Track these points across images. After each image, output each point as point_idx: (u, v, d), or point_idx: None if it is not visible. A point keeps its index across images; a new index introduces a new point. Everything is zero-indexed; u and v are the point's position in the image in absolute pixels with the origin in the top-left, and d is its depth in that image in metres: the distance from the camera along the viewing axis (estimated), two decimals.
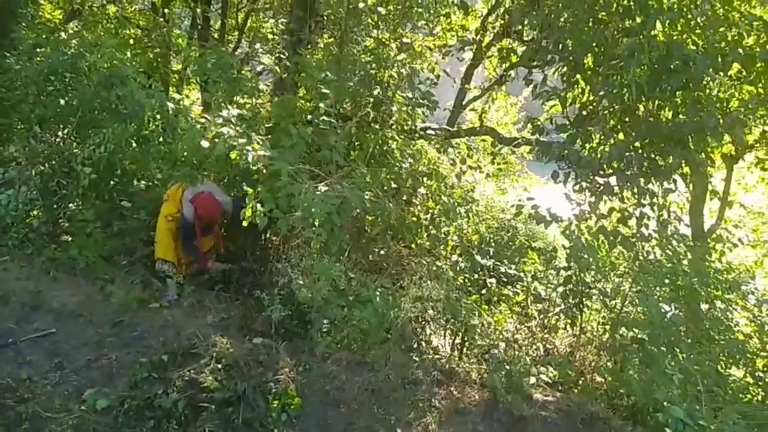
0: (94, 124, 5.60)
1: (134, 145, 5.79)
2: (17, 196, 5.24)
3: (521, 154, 8.88)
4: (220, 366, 3.74)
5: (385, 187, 4.74)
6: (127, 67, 6.03)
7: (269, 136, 4.87)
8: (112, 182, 5.67)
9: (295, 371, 3.89)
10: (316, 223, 3.78)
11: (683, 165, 5.20)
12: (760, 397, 4.80)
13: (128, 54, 6.94)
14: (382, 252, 5.00)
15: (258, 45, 9.71)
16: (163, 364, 3.79)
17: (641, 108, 5.15)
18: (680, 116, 5.02)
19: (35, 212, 5.38)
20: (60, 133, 5.84)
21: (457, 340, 4.77)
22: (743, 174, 10.49)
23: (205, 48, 7.54)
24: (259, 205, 3.98)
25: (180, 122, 6.90)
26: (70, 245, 5.15)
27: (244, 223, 4.08)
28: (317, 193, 3.86)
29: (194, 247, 5.12)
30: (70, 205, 5.38)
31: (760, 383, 5.27)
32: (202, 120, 4.90)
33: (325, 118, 4.75)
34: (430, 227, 5.24)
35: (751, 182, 10.42)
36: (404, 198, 5.30)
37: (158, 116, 6.16)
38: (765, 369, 5.74)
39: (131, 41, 9.29)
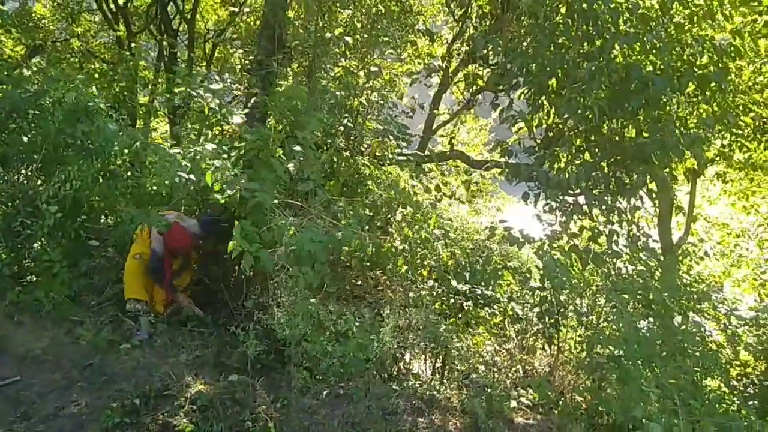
0: (59, 160, 5.49)
1: (101, 180, 5.69)
2: None
3: (493, 175, 9.02)
4: (194, 407, 3.63)
5: (361, 218, 4.74)
6: (93, 101, 5.95)
7: (248, 169, 4.84)
8: (78, 220, 5.54)
9: (272, 408, 3.80)
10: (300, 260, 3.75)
11: (648, 181, 5.34)
12: (735, 407, 4.89)
13: (94, 88, 6.86)
14: (359, 282, 4.98)
15: (226, 75, 9.71)
16: (135, 409, 3.66)
17: (605, 128, 5.30)
18: (643, 135, 5.18)
19: None
20: (23, 171, 5.71)
21: (438, 364, 4.74)
22: (707, 187, 10.85)
23: (171, 79, 7.52)
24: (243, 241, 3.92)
25: (149, 156, 6.82)
26: (35, 287, 4.99)
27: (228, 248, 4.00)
28: (302, 229, 3.83)
29: (169, 283, 5.02)
30: (35, 245, 5.23)
31: (735, 392, 5.37)
32: (176, 152, 4.84)
33: (298, 148, 4.75)
34: (407, 254, 5.24)
35: (714, 195, 10.78)
36: (379, 225, 5.31)
37: (125, 150, 6.08)
38: (738, 378, 5.87)
39: (96, 75, 9.20)
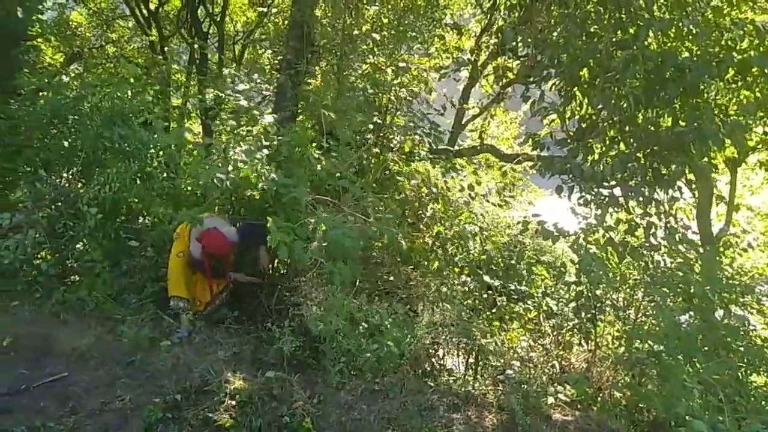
0: (98, 164, 5.66)
1: (138, 182, 5.83)
2: (25, 240, 5.27)
3: (525, 169, 8.89)
4: (234, 402, 3.70)
5: (393, 213, 4.75)
6: (127, 105, 6.11)
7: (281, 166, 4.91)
8: (118, 221, 5.70)
9: (309, 403, 3.84)
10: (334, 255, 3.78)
11: (687, 172, 5.19)
12: None
13: (129, 93, 7.04)
14: (391, 278, 4.98)
15: (255, 75, 9.84)
16: (176, 404, 3.75)
17: (640, 118, 5.17)
18: (680, 124, 5.03)
19: (43, 254, 5.41)
20: (65, 175, 5.90)
21: (471, 360, 4.71)
22: (748, 176, 10.47)
23: (203, 81, 7.65)
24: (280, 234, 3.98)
25: (183, 157, 6.96)
26: (78, 286, 5.16)
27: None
28: (335, 224, 3.87)
29: (215, 273, 5.13)
30: (78, 245, 5.41)
31: None
32: (210, 152, 4.92)
33: (331, 143, 4.78)
34: (439, 250, 5.23)
35: (756, 184, 10.40)
36: (410, 222, 5.30)
37: (161, 152, 6.21)
38: None
39: (131, 80, 9.42)
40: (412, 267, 5.13)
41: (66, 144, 5.87)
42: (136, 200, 5.94)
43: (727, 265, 5.53)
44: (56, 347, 4.48)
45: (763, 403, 4.17)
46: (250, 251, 5.33)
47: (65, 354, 4.42)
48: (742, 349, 4.54)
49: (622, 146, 5.24)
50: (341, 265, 3.75)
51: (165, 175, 6.26)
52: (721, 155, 7.26)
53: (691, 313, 4.22)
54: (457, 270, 5.47)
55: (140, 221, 6.19)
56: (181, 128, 8.69)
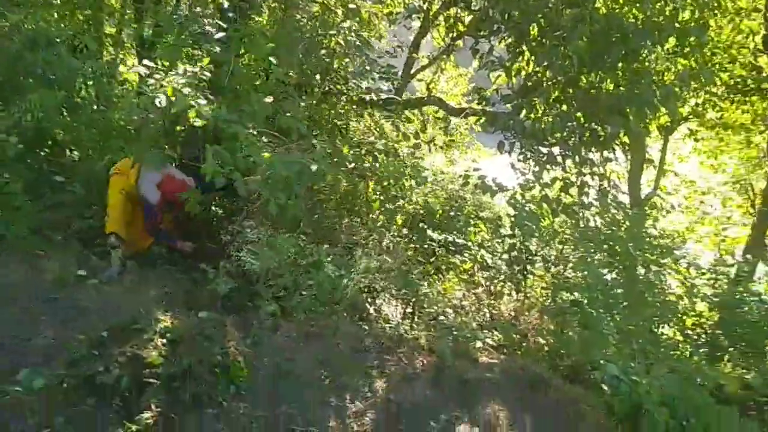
0: (18, 90, 5.24)
1: (65, 113, 5.46)
2: None
3: (470, 126, 8.96)
4: (164, 341, 3.63)
5: (345, 161, 4.70)
6: (54, 28, 5.65)
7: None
8: (41, 153, 5.35)
9: (243, 344, 3.83)
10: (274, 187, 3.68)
11: (622, 135, 5.38)
12: (688, 353, 5.14)
13: (55, 15, 6.51)
14: (336, 226, 4.97)
15: (198, 9, 9.27)
16: (103, 341, 3.63)
17: (583, 80, 5.28)
18: (620, 88, 5.17)
19: None
20: None
21: (408, 309, 4.83)
22: (678, 145, 11.04)
23: (139, 9, 7.17)
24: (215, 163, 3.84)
25: (115, 88, 6.56)
26: None
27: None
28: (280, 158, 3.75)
29: (159, 230, 4.94)
30: None
31: (688, 340, 5.65)
32: (150, 82, 4.63)
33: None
34: (384, 201, 5.24)
35: (685, 152, 10.99)
36: (354, 167, 5.26)
37: (90, 82, 5.83)
38: (693, 327, 6.16)
39: (58, 1, 8.68)
40: (357, 217, 5.13)
41: None
42: (62, 132, 5.59)
43: (651, 226, 5.84)
44: None
45: (671, 352, 4.52)
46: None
47: None
48: (657, 304, 4.88)
49: (563, 106, 5.35)
50: (281, 196, 3.65)
51: (95, 107, 5.90)
52: (655, 122, 7.57)
53: (613, 269, 4.47)
54: (399, 221, 5.52)
55: (67, 155, 5.85)
56: (113, 57, 8.16)
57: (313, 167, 3.62)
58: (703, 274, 5.91)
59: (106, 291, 4.34)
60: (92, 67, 5.78)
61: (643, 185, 9.14)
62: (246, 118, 4.13)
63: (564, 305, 4.27)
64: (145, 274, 4.80)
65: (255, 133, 3.97)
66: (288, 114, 4.46)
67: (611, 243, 4.57)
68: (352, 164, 5.03)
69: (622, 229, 5.14)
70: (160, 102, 3.98)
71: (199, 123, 4.01)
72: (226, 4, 5.29)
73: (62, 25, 6.41)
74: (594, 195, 5.41)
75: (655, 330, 4.92)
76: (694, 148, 10.58)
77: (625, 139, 5.60)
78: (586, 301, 3.97)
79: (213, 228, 5.45)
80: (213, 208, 5.67)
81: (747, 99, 8.29)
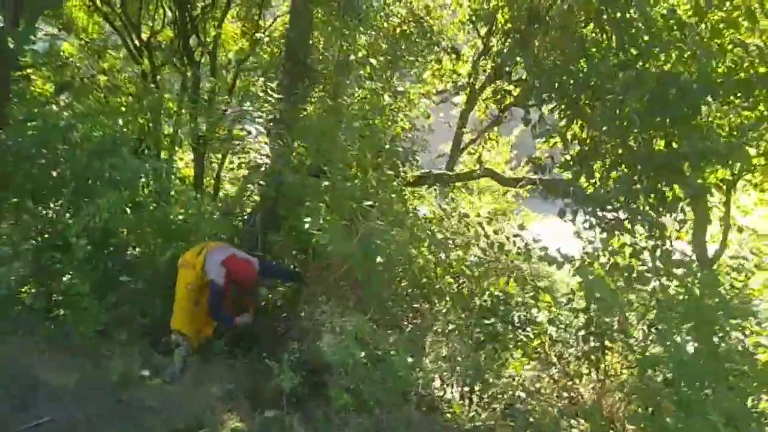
0: (87, 194, 5.48)
1: (128, 212, 5.65)
2: (9, 273, 5.05)
3: (517, 193, 8.81)
4: None
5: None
6: (118, 134, 5.98)
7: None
8: (106, 252, 5.50)
9: None
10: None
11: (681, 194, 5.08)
12: None
13: (120, 121, 6.92)
14: (406, 310, 4.81)
15: (248, 103, 9.75)
16: None
17: (637, 139, 5.10)
18: (675, 145, 4.96)
19: (27, 288, 5.17)
20: (52, 206, 5.71)
21: (480, 396, 4.51)
22: (737, 197, 10.42)
23: (195, 109, 7.56)
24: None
25: (174, 185, 6.81)
26: (65, 321, 4.92)
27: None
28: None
29: (223, 313, 4.88)
30: (64, 278, 5.18)
31: None
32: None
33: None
34: (453, 289, 5.13)
35: (749, 205, 10.35)
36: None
37: (152, 181, 6.06)
38: None
39: (123, 109, 9.30)
40: (425, 303, 4.96)
41: (54, 174, 5.70)
42: (126, 231, 5.76)
43: (729, 287, 5.39)
44: (41, 385, 4.23)
45: None
46: None
47: (51, 393, 4.18)
48: (751, 375, 4.37)
49: (623, 168, 5.15)
50: (375, 275, 3.53)
51: (155, 204, 6.10)
52: (713, 176, 7.22)
53: (696, 338, 4.04)
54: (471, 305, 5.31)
55: (129, 252, 6.00)
56: (172, 156, 8.58)
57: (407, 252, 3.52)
58: None
59: (169, 390, 4.26)
60: (154, 167, 6.03)
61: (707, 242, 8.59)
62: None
63: (654, 385, 3.87)
64: (207, 369, 4.71)
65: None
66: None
67: (695, 310, 4.16)
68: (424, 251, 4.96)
69: (698, 293, 4.73)
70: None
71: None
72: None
73: (125, 130, 6.79)
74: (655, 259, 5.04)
75: (755, 405, 4.38)
76: (760, 199, 9.97)
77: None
78: (680, 379, 3.58)
79: (269, 315, 5.39)
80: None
81: None
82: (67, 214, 5.61)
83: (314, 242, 4.02)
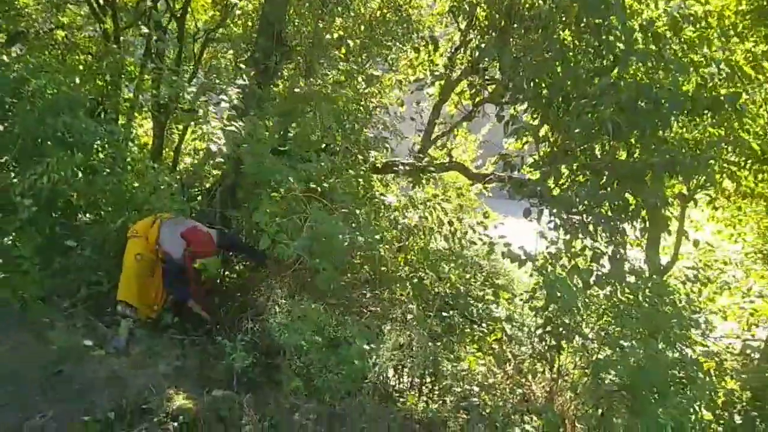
0: (37, 153, 5.15)
1: (80, 176, 5.35)
2: None
3: (480, 191, 8.88)
4: (176, 424, 3.32)
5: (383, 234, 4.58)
6: (75, 93, 5.65)
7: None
8: (54, 216, 5.20)
9: (260, 426, 3.51)
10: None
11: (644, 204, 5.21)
12: None
13: (77, 80, 6.55)
14: (366, 297, 4.74)
15: (214, 76, 9.41)
16: (109, 423, 3.33)
17: (604, 146, 5.18)
18: (638, 155, 5.07)
19: None
20: None
21: (433, 388, 4.50)
22: (690, 213, 10.85)
23: (158, 75, 7.25)
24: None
25: (131, 152, 6.51)
26: (3, 284, 4.61)
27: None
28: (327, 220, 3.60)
29: (182, 287, 4.66)
30: (6, 239, 4.86)
31: (722, 422, 5.23)
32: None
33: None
34: (414, 278, 5.09)
35: (701, 220, 10.79)
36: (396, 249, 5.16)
37: (107, 146, 5.77)
38: (723, 407, 5.74)
39: (80, 67, 8.82)
40: (382, 287, 4.90)
41: (1, 128, 5.34)
42: (77, 195, 5.46)
43: (684, 297, 5.58)
44: None
45: None
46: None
47: None
48: (699, 383, 4.52)
49: (591, 174, 5.22)
50: (327, 265, 3.44)
51: (110, 170, 5.80)
52: (671, 190, 7.45)
53: (659, 346, 4.15)
54: (428, 293, 5.28)
55: (79, 218, 5.70)
56: (130, 122, 8.21)
57: (360, 238, 3.44)
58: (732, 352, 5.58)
59: (113, 363, 4.05)
60: (111, 131, 5.74)
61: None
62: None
63: (608, 387, 3.94)
64: (154, 344, 4.52)
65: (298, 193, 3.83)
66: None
67: (653, 317, 4.26)
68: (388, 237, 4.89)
69: (650, 301, 4.87)
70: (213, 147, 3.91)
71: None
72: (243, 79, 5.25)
73: (82, 91, 6.42)
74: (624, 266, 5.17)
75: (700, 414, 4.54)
76: (711, 215, 10.39)
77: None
78: (637, 384, 3.65)
79: (225, 294, 5.22)
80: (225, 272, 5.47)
81: (765, 168, 8.18)
82: (13, 173, 5.27)
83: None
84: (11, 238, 4.77)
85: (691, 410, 4.28)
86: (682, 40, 5.13)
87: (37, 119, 5.19)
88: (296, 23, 6.33)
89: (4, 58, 7.04)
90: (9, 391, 3.67)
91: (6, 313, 4.40)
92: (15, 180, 4.99)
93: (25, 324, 4.36)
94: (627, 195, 5.03)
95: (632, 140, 5.09)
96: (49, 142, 5.23)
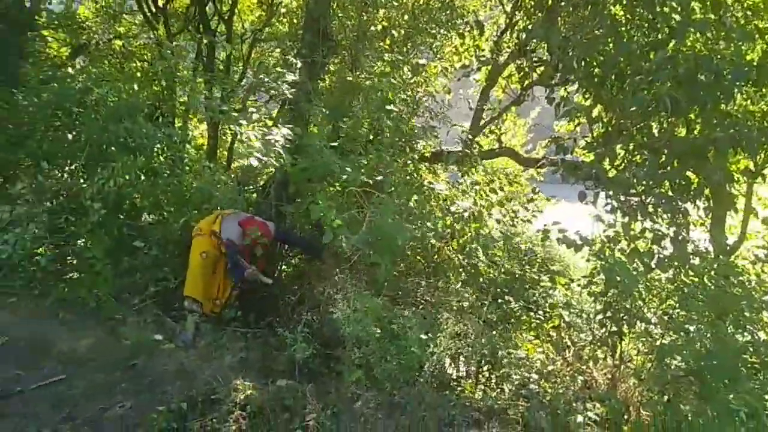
0: (102, 158, 5.44)
1: (143, 178, 5.61)
2: (24, 235, 5.04)
3: (532, 176, 8.69)
4: (243, 413, 3.46)
5: (437, 225, 4.60)
6: (134, 100, 5.91)
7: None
8: (121, 217, 5.48)
9: (323, 415, 3.60)
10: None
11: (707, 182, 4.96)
12: None
13: (135, 87, 6.84)
14: (421, 286, 4.77)
15: (263, 75, 9.61)
16: (182, 413, 3.51)
17: (664, 124, 4.96)
18: (699, 131, 4.83)
19: (42, 250, 5.17)
20: (68, 169, 5.68)
21: (491, 376, 4.48)
22: (756, 189, 10.23)
23: (210, 78, 7.46)
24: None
25: (189, 153, 6.75)
26: (78, 284, 4.92)
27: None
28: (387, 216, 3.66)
29: (241, 264, 4.83)
30: (79, 242, 5.17)
31: None
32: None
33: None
34: (468, 266, 5.07)
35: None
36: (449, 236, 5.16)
37: (166, 148, 6.01)
38: None
39: (137, 74, 9.21)
40: (437, 277, 4.91)
41: (70, 137, 5.66)
42: (141, 197, 5.72)
43: (754, 278, 5.29)
44: (54, 348, 4.24)
45: None
46: None
47: (63, 355, 4.19)
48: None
49: (649, 153, 5.01)
50: (386, 259, 3.49)
51: (170, 171, 6.05)
52: (736, 166, 7.07)
53: (729, 329, 3.96)
54: (481, 281, 5.25)
55: (143, 219, 5.98)
56: (186, 124, 8.50)
57: (416, 231, 3.46)
58: None
59: (182, 357, 4.25)
60: (169, 134, 5.97)
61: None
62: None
63: (674, 373, 3.81)
64: (218, 337, 4.70)
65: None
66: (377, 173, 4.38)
67: (722, 300, 4.07)
68: (439, 226, 4.90)
69: (710, 282, 4.63)
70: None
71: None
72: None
73: (140, 97, 6.71)
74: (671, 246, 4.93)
75: None
76: None
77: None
78: (705, 369, 3.51)
79: (283, 287, 5.35)
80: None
81: None
82: (82, 179, 5.58)
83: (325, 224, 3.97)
84: (83, 240, 5.06)
85: (766, 396, 4.10)
86: (745, 6, 4.83)
87: (102, 126, 5.48)
88: (340, 17, 6.36)
89: (70, 70, 7.46)
90: (88, 383, 3.91)
91: (82, 312, 4.68)
92: (84, 185, 5.30)
93: (99, 321, 4.63)
94: (688, 173, 4.83)
95: (692, 116, 4.88)
96: (113, 148, 5.51)
